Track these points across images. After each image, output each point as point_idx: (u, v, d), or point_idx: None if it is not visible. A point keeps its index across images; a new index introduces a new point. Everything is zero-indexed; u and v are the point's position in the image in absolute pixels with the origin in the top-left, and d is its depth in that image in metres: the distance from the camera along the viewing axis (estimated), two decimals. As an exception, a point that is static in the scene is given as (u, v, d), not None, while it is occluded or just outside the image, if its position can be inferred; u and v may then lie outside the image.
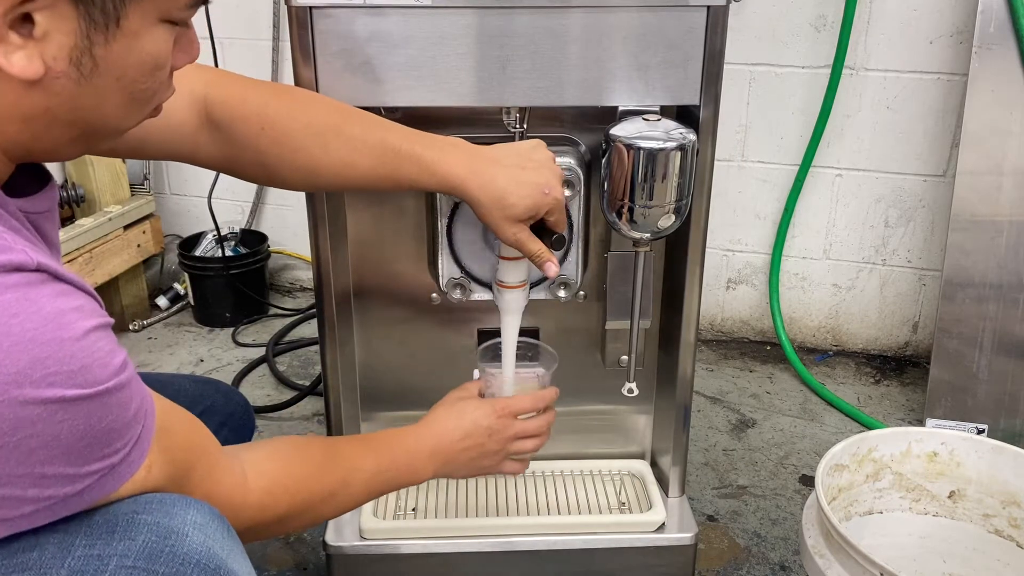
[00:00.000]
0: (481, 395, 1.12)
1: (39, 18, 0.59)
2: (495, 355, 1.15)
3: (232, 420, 1.13)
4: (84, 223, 2.04)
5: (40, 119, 0.65)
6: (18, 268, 0.60)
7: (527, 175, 0.99)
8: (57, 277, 0.63)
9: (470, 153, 1.00)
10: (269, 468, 0.87)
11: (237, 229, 2.36)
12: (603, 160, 1.09)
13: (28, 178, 0.72)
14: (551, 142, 1.17)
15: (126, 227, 2.15)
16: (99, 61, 0.63)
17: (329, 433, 1.30)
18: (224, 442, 0.83)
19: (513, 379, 1.13)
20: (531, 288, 1.19)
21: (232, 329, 2.26)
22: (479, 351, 1.15)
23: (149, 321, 2.29)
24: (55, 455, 0.61)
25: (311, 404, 1.91)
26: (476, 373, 1.15)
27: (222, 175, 2.20)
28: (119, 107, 0.68)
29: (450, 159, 0.98)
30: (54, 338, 0.59)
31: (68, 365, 0.60)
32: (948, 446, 1.23)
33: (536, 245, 1.02)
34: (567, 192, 1.16)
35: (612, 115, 1.10)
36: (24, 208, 0.69)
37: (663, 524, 1.29)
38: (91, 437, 0.62)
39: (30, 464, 0.60)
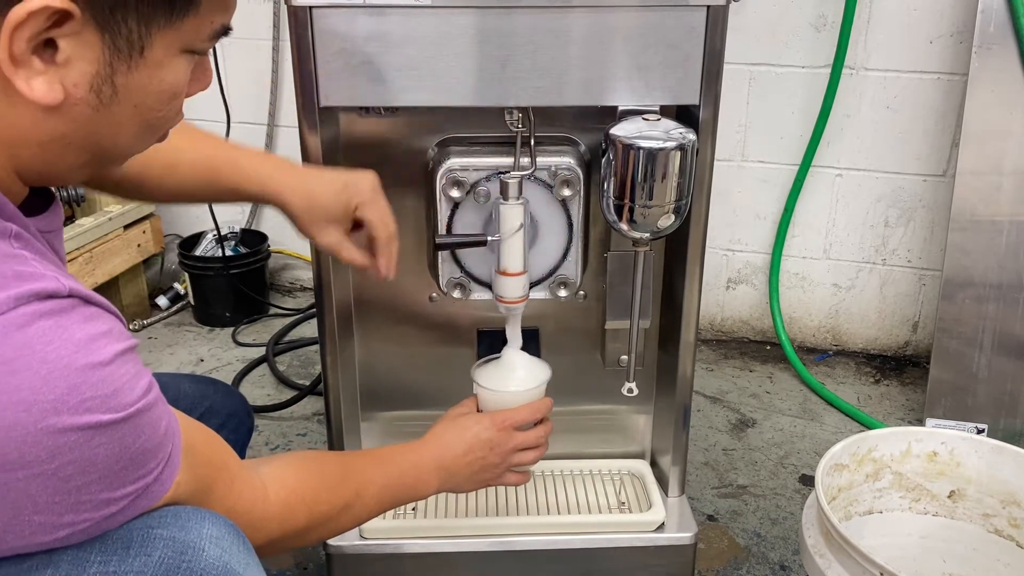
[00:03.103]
0: (479, 411, 1.13)
1: (63, 44, 0.59)
2: (489, 371, 1.16)
3: (232, 420, 1.13)
4: (84, 223, 2.04)
5: (56, 144, 0.65)
6: (51, 295, 0.60)
7: (333, 174, 1.05)
8: (87, 301, 0.63)
9: (286, 163, 1.06)
10: (288, 481, 0.87)
11: (237, 229, 2.36)
12: (603, 160, 1.09)
13: (32, 196, 0.72)
14: (551, 142, 1.18)
15: (126, 227, 2.15)
16: (119, 89, 0.63)
17: (329, 432, 1.30)
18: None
19: (518, 387, 1.14)
20: (531, 287, 1.19)
21: (232, 329, 2.26)
22: (473, 368, 1.16)
23: (149, 321, 2.29)
24: (91, 480, 0.61)
25: (311, 404, 1.91)
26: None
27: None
28: (133, 134, 0.68)
29: (266, 165, 1.04)
30: (87, 364, 0.60)
31: (101, 390, 0.60)
32: (948, 446, 1.23)
33: (350, 254, 1.05)
34: (567, 192, 1.16)
35: (612, 115, 1.10)
36: (40, 227, 0.69)
37: (663, 524, 1.29)
38: (127, 459, 0.62)
39: (67, 491, 0.60)
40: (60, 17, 0.57)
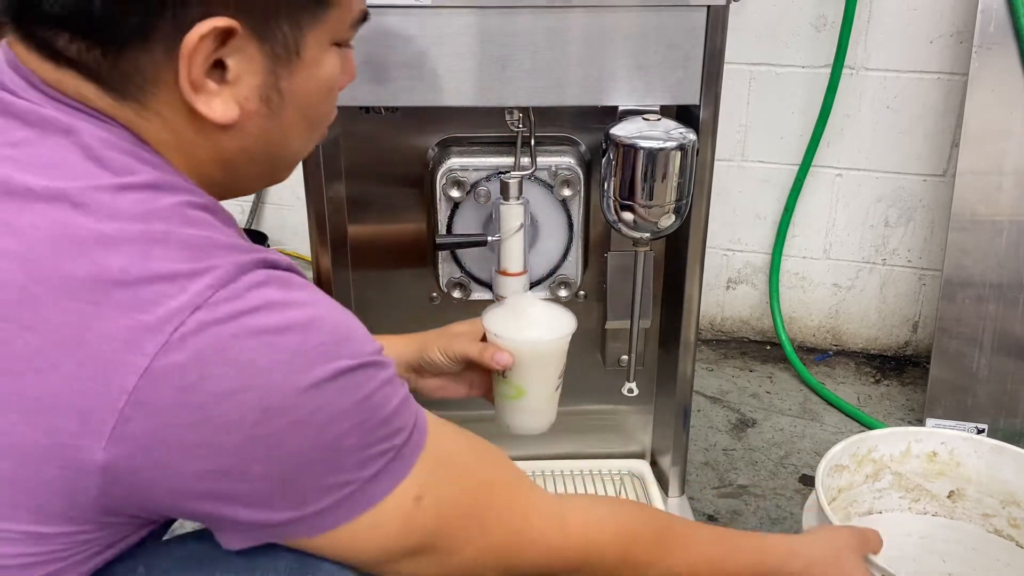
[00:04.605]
0: (486, 366, 0.99)
1: (231, 63, 0.61)
2: (502, 316, 1.01)
3: None
4: (84, 223, 2.04)
5: (238, 160, 0.67)
6: (292, 270, 0.62)
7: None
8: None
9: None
10: (594, 515, 0.78)
11: (237, 229, 2.35)
12: (603, 160, 1.09)
13: None
14: (551, 142, 1.18)
15: (126, 227, 2.15)
16: (285, 94, 0.65)
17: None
18: None
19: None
20: (531, 287, 1.19)
21: (232, 329, 2.26)
22: (486, 312, 1.02)
23: (149, 321, 2.28)
24: (344, 431, 0.59)
25: (311, 404, 1.90)
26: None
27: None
28: (300, 135, 0.70)
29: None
30: (348, 318, 0.63)
31: (338, 334, 0.60)
32: (948, 446, 1.23)
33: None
34: (567, 192, 1.16)
35: (612, 115, 1.10)
36: None
37: (663, 524, 1.29)
38: (369, 410, 0.61)
39: (326, 444, 0.59)
40: (225, 36, 0.59)
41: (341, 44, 0.70)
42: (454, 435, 0.72)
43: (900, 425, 1.86)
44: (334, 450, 0.59)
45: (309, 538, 0.62)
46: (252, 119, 0.64)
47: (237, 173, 0.68)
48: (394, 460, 0.63)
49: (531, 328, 0.98)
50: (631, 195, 1.07)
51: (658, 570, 0.81)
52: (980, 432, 1.75)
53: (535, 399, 1.01)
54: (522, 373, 0.98)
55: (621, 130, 1.07)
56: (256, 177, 0.72)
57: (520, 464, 1.38)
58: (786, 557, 0.89)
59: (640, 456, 1.41)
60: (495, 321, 0.99)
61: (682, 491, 1.35)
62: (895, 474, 1.25)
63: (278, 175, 0.74)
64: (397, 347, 1.03)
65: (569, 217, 1.17)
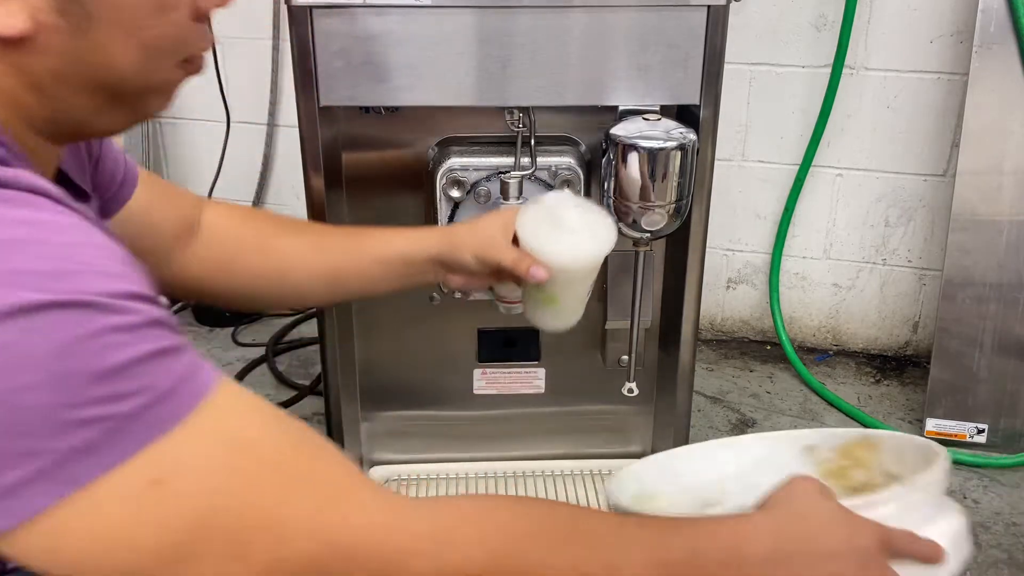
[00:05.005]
0: (516, 277, 0.93)
1: None
2: (538, 222, 0.94)
3: None
4: (84, 223, 2.04)
5: (53, 84, 0.59)
6: (44, 193, 0.52)
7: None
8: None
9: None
10: (460, 510, 0.62)
11: (237, 229, 2.35)
12: (603, 160, 1.09)
13: (77, 195, 0.68)
14: (551, 142, 1.18)
15: (126, 227, 2.15)
16: (88, 6, 0.57)
17: (329, 432, 1.30)
18: None
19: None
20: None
21: (232, 329, 2.26)
22: (521, 215, 0.95)
23: (149, 321, 2.28)
24: (33, 382, 0.47)
25: (311, 404, 1.91)
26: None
27: (222, 173, 2.21)
28: (134, 60, 0.60)
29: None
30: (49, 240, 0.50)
31: (44, 265, 0.49)
32: (642, 483, 0.93)
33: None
34: (568, 190, 1.16)
35: (612, 115, 1.10)
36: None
37: (663, 524, 1.29)
38: (74, 361, 0.48)
39: (1, 392, 0.46)
40: None
41: None
42: (253, 411, 0.57)
43: (900, 425, 1.86)
44: (14, 407, 0.46)
45: (10, 530, 0.48)
46: (50, 35, 0.56)
47: (58, 102, 0.60)
48: (118, 431, 0.48)
49: (569, 241, 0.92)
50: (631, 195, 1.07)
51: (556, 571, 0.62)
52: (980, 432, 1.75)
53: (566, 307, 0.99)
54: (557, 284, 0.94)
55: (621, 130, 1.07)
56: (92, 108, 0.62)
57: (519, 464, 1.39)
58: (735, 540, 0.66)
59: (640, 456, 1.41)
60: (531, 230, 0.92)
61: (682, 491, 1.36)
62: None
63: (134, 108, 0.65)
64: (422, 239, 0.98)
65: (569, 217, 1.17)
